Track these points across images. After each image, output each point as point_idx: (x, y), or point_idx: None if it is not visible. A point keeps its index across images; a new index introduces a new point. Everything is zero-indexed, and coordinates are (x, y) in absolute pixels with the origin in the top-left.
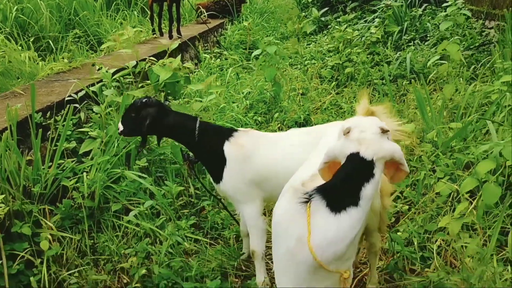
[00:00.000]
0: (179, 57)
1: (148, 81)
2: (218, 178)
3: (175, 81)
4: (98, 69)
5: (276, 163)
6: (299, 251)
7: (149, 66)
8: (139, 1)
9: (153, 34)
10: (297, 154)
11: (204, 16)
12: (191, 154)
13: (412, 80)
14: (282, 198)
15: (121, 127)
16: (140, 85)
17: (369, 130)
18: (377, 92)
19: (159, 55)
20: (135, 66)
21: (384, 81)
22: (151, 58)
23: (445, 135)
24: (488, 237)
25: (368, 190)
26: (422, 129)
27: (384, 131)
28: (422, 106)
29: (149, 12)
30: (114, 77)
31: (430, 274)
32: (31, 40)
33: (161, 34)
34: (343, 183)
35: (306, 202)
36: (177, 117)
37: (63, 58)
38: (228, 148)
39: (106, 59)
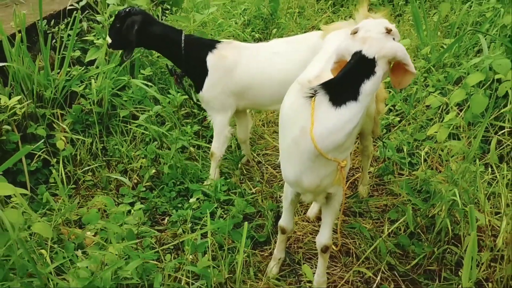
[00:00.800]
0: None
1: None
2: (199, 87)
3: None
4: None
5: (259, 72)
6: (302, 140)
7: None
8: None
9: None
10: (279, 62)
11: None
12: (174, 67)
13: None
14: (289, 93)
15: (109, 40)
16: None
17: (374, 30)
18: (373, 13)
19: None
20: None
21: (380, 1)
22: None
23: (438, 52)
24: (472, 140)
25: (367, 86)
26: (417, 46)
27: (388, 31)
28: (418, 23)
29: None
30: None
31: (418, 173)
32: None
33: None
34: (345, 79)
35: (311, 96)
36: (163, 28)
37: None
38: (211, 59)
39: None
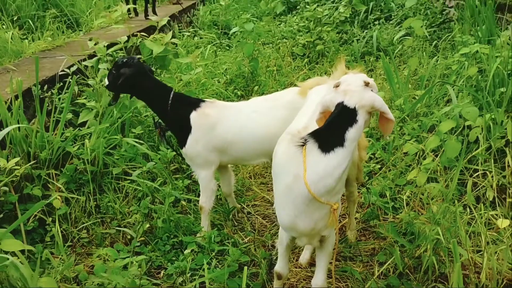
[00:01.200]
0: (170, 32)
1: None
2: (183, 143)
3: (165, 55)
4: (95, 44)
5: (240, 129)
6: (296, 186)
7: (141, 41)
8: None
9: (129, 14)
10: (259, 118)
11: None
12: (162, 123)
13: (382, 54)
14: (281, 143)
15: (106, 82)
16: None
17: (354, 83)
18: (347, 68)
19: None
20: (127, 41)
21: (351, 57)
22: (143, 34)
23: (411, 103)
24: (450, 182)
25: (351, 134)
26: (390, 98)
27: (366, 84)
28: (390, 77)
29: None
30: (108, 52)
31: (402, 216)
32: (9, 20)
33: (136, 14)
34: (331, 128)
35: (302, 145)
36: (154, 83)
37: (49, 36)
38: (194, 116)
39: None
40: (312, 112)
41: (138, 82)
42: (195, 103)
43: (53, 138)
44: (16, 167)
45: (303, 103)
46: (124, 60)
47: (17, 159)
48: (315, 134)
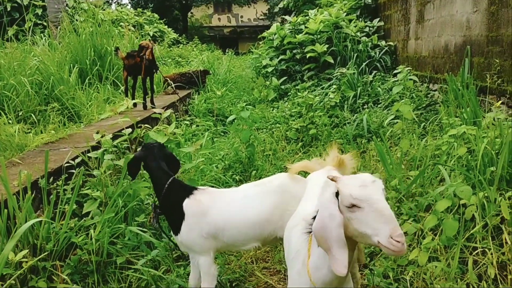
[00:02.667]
0: (173, 123)
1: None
2: (177, 230)
3: (167, 145)
4: (102, 136)
5: (231, 214)
6: (303, 273)
7: (144, 133)
8: (110, 75)
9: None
10: (250, 204)
11: (172, 87)
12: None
13: (374, 137)
14: (293, 230)
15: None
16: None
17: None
18: (340, 151)
19: (144, 122)
20: (131, 133)
21: (344, 140)
22: (146, 125)
23: (406, 183)
24: (451, 261)
25: None
26: (385, 178)
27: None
28: (383, 158)
29: (122, 86)
30: (113, 143)
31: None
32: (14, 114)
33: (135, 105)
34: None
35: (310, 232)
36: (157, 168)
37: (52, 129)
38: (187, 204)
39: (91, 127)
40: (318, 196)
41: (144, 164)
42: (189, 191)
43: (58, 229)
44: (24, 259)
45: (293, 186)
46: (145, 144)
47: (25, 252)
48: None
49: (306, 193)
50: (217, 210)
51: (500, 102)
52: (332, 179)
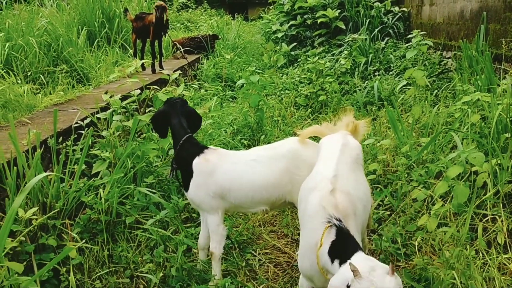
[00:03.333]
0: (182, 84)
1: (151, 107)
2: (186, 187)
3: None
4: (111, 96)
5: (239, 176)
6: (315, 249)
7: (153, 94)
8: (119, 38)
9: None
10: (257, 167)
11: (180, 52)
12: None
13: (385, 103)
14: (313, 192)
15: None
16: (147, 110)
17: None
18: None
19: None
20: (140, 94)
21: (355, 107)
22: (155, 87)
23: (416, 150)
24: (461, 227)
25: None
26: (396, 145)
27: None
28: (395, 125)
29: (130, 49)
30: (122, 104)
31: (416, 260)
32: (22, 75)
33: (143, 68)
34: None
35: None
36: (176, 124)
37: (61, 91)
38: (196, 162)
39: (100, 90)
40: (337, 158)
41: (166, 119)
42: (200, 149)
43: (68, 188)
44: (34, 217)
45: (303, 151)
46: (171, 98)
47: (35, 209)
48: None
49: (321, 155)
50: (223, 171)
51: None
52: (353, 273)
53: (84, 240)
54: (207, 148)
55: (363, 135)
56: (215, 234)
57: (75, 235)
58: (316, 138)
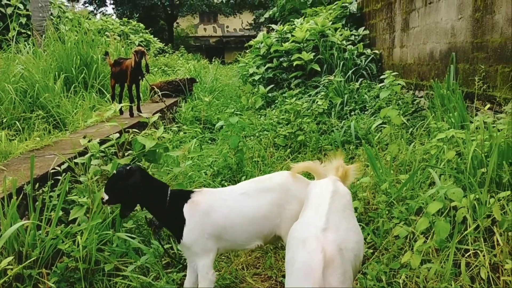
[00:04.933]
0: (161, 127)
1: (130, 151)
2: (180, 236)
3: (155, 149)
4: (89, 141)
5: (230, 212)
6: None
7: (132, 137)
8: (96, 83)
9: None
10: (248, 200)
11: (158, 95)
12: (153, 218)
13: (363, 142)
14: (304, 249)
15: (106, 197)
16: (126, 154)
17: None
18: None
19: (132, 128)
20: (118, 138)
21: (333, 146)
22: (134, 130)
23: (396, 187)
24: (444, 263)
25: None
26: (375, 183)
27: None
28: (373, 162)
29: (108, 94)
30: (100, 148)
31: None
32: None
33: (121, 113)
34: None
35: None
36: (155, 183)
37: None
38: (186, 208)
39: (77, 135)
40: (328, 208)
41: (145, 188)
42: (186, 195)
43: (44, 236)
44: (9, 267)
45: (293, 185)
46: (129, 168)
47: (10, 258)
48: None
49: (311, 202)
50: (215, 209)
51: (488, 106)
52: None
53: None
54: (192, 191)
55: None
56: (204, 279)
57: (52, 285)
58: (309, 176)
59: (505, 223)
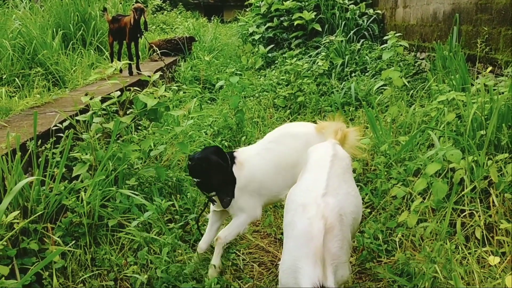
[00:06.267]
0: (163, 86)
1: (131, 109)
2: (232, 195)
3: (157, 109)
4: (91, 98)
5: (262, 161)
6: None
7: (134, 95)
8: (94, 40)
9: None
10: (276, 147)
11: (157, 54)
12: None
13: (364, 103)
14: (303, 215)
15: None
16: (127, 112)
17: None
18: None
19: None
20: (120, 95)
21: (333, 107)
22: (135, 88)
23: (395, 149)
24: (440, 223)
25: None
26: (375, 144)
27: None
28: (373, 124)
29: (106, 51)
30: (102, 106)
31: (398, 255)
32: None
33: (121, 71)
34: None
35: None
36: (226, 156)
37: (37, 94)
38: (234, 170)
39: (76, 92)
40: (327, 172)
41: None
42: (231, 157)
43: (49, 192)
44: (15, 221)
45: (317, 140)
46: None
47: (16, 213)
48: None
49: (311, 165)
50: (251, 164)
51: (489, 69)
52: None
53: (66, 244)
54: (232, 153)
55: (356, 145)
56: (236, 227)
57: (57, 239)
58: None
59: (502, 185)
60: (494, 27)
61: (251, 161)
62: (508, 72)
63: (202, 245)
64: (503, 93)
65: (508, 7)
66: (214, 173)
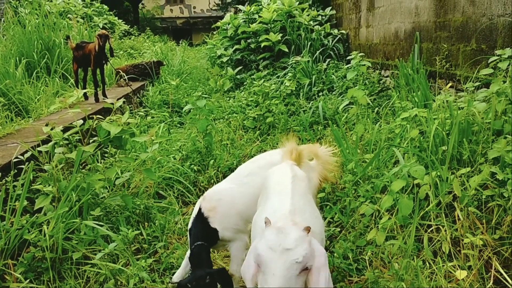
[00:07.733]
0: (127, 113)
1: (95, 138)
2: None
3: (121, 135)
4: (52, 128)
5: (241, 196)
6: None
7: (97, 124)
8: (59, 68)
9: None
10: (253, 180)
11: (124, 79)
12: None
13: (330, 123)
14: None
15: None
16: (91, 141)
17: None
18: (297, 138)
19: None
20: (82, 124)
21: (301, 127)
22: (99, 116)
23: (362, 166)
24: (407, 239)
25: None
26: (342, 162)
27: None
28: (340, 143)
29: (71, 79)
30: (64, 135)
31: (368, 274)
32: None
33: (86, 98)
34: None
35: None
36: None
37: None
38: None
39: (40, 122)
40: (291, 192)
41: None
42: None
43: (9, 227)
44: None
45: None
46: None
47: None
48: None
49: (271, 189)
50: (228, 203)
51: (449, 85)
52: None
53: (28, 280)
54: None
55: (311, 160)
56: (237, 258)
57: (19, 275)
58: None
59: (465, 199)
60: (453, 44)
61: (225, 200)
62: (467, 87)
63: (175, 279)
64: (462, 108)
65: (465, 25)
66: None
